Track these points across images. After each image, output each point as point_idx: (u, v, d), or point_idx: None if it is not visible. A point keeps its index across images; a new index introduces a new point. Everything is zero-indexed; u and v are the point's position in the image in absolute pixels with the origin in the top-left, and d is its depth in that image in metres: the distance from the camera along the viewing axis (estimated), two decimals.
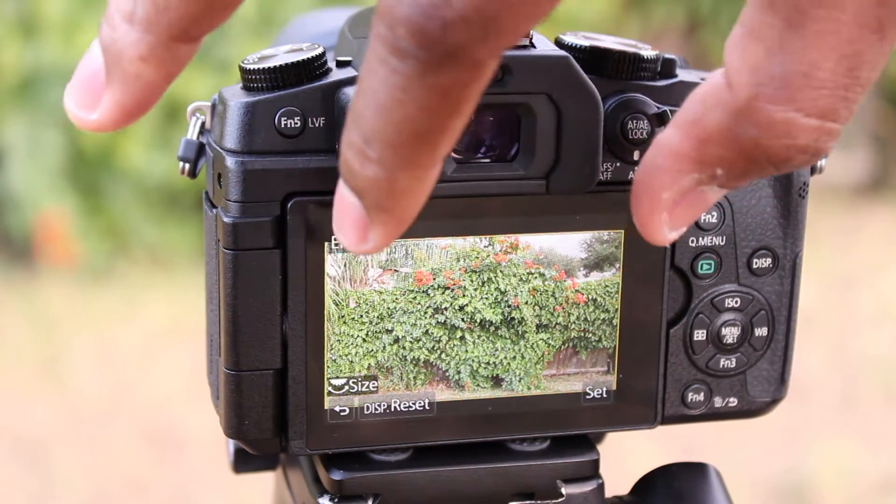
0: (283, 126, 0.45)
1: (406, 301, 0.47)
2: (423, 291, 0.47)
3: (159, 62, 0.38)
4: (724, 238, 0.51)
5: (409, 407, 0.49)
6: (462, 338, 0.48)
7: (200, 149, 0.49)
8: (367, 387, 0.48)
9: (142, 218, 2.77)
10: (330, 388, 0.48)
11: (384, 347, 0.48)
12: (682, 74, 0.49)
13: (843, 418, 2.15)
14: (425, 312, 0.48)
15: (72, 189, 2.73)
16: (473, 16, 0.31)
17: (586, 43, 0.47)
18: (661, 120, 0.47)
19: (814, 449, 2.03)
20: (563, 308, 0.49)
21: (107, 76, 0.39)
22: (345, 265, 0.47)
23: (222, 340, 0.47)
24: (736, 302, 0.52)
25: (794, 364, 0.54)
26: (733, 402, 0.53)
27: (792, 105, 0.35)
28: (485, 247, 0.48)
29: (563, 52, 0.45)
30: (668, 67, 0.48)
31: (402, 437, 0.49)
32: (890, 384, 2.25)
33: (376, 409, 0.48)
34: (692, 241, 0.51)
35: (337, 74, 0.46)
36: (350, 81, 0.45)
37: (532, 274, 0.48)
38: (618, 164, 0.47)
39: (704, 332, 0.52)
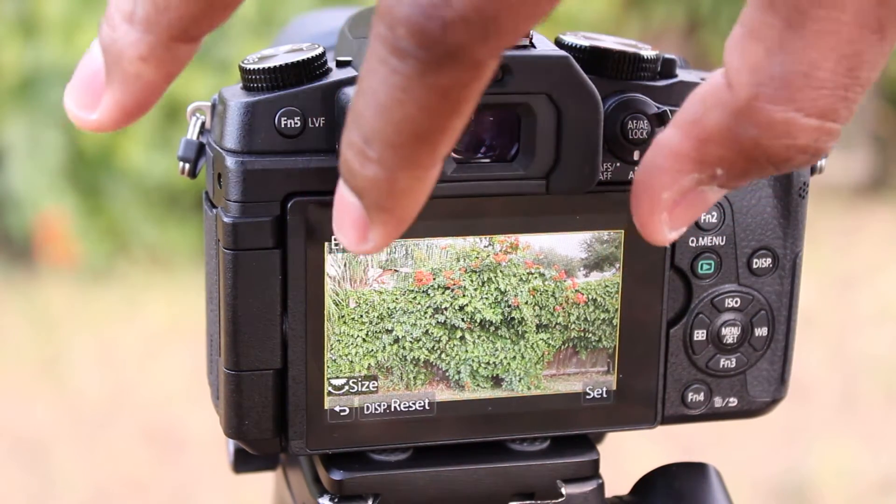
0: (283, 126, 0.45)
1: (406, 301, 0.47)
2: (423, 291, 0.47)
3: (159, 62, 0.38)
4: (724, 238, 0.51)
5: (409, 407, 0.49)
6: (462, 338, 0.48)
7: (200, 149, 0.49)
8: (367, 387, 0.48)
9: (142, 218, 2.77)
10: (330, 388, 0.48)
11: (384, 347, 0.48)
12: (682, 74, 0.49)
13: (843, 418, 2.15)
14: (425, 312, 0.48)
15: (72, 189, 2.73)
16: (473, 16, 0.31)
17: (586, 43, 0.47)
18: (661, 120, 0.47)
19: (814, 449, 2.03)
20: (563, 308, 0.49)
21: (107, 76, 0.39)
22: (345, 265, 0.47)
23: (222, 340, 0.47)
24: (736, 302, 0.52)
25: (794, 364, 0.54)
26: (733, 402, 0.53)
27: (792, 105, 0.35)
28: (485, 247, 0.48)
29: (563, 52, 0.45)
30: (668, 67, 0.48)
31: (402, 437, 0.49)
32: (890, 384, 2.25)
33: (376, 409, 0.48)
34: (692, 241, 0.51)
35: (337, 74, 0.46)
36: (350, 81, 0.45)
37: (532, 274, 0.48)
38: (618, 164, 0.47)
39: (704, 332, 0.52)
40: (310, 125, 0.45)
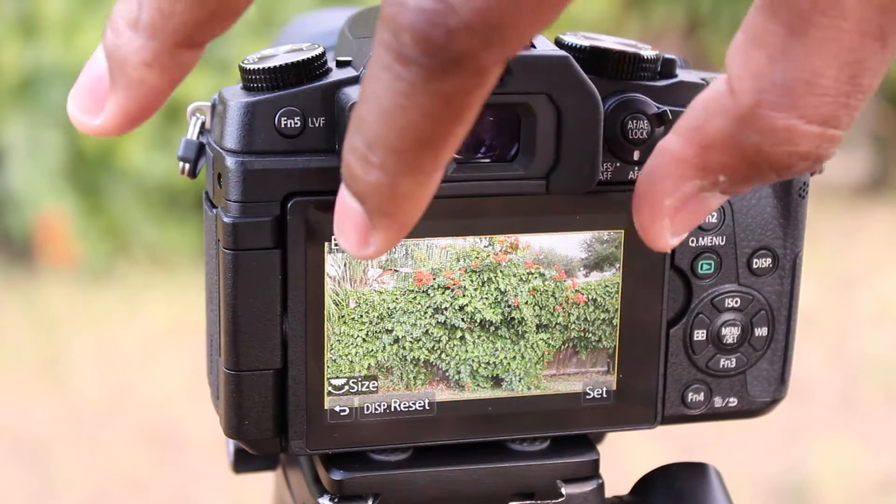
0: (283, 126, 0.45)
1: (406, 301, 0.47)
2: (423, 291, 0.47)
3: (163, 68, 0.38)
4: (724, 238, 0.51)
5: (409, 407, 0.49)
6: (462, 338, 0.48)
7: (200, 149, 0.49)
8: (367, 387, 0.48)
9: (142, 218, 2.77)
10: (330, 388, 0.48)
11: (384, 347, 0.48)
12: (682, 74, 0.49)
13: (843, 418, 2.15)
14: (425, 312, 0.48)
15: (72, 189, 2.73)
16: (478, 23, 0.31)
17: (586, 43, 0.47)
18: (661, 120, 0.47)
19: (814, 449, 2.03)
20: (563, 308, 0.49)
21: (110, 82, 0.39)
22: (345, 265, 0.47)
23: (222, 340, 0.47)
24: (736, 302, 0.52)
25: (794, 364, 0.54)
26: (733, 402, 0.53)
27: (794, 112, 0.35)
28: (485, 247, 0.48)
29: (563, 52, 0.45)
30: (668, 67, 0.48)
31: (402, 437, 0.49)
32: (890, 384, 2.25)
33: (376, 409, 0.48)
34: (692, 241, 0.51)
35: (337, 74, 0.46)
36: (350, 81, 0.45)
37: (532, 274, 0.48)
38: (618, 164, 0.47)
39: (704, 332, 0.52)
40: (310, 125, 0.45)
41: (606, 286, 0.49)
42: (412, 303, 0.47)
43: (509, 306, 0.48)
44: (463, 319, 0.48)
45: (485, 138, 0.46)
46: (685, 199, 0.38)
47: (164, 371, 2.28)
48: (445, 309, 0.48)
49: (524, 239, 0.48)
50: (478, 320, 0.48)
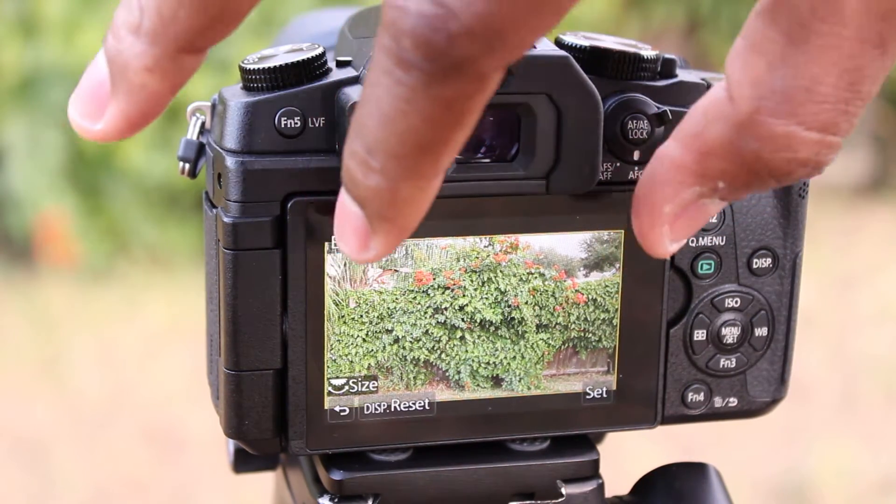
0: (283, 126, 0.45)
1: (406, 301, 0.47)
2: (423, 291, 0.47)
3: (165, 73, 0.38)
4: (724, 238, 0.51)
5: (409, 407, 0.49)
6: (462, 338, 0.48)
7: (200, 149, 0.49)
8: (367, 387, 0.48)
9: (142, 218, 2.77)
10: (330, 388, 0.48)
11: (384, 347, 0.48)
12: (682, 74, 0.49)
13: (843, 418, 2.15)
14: (425, 312, 0.48)
15: (72, 189, 2.73)
16: (479, 29, 0.31)
17: (586, 43, 0.47)
18: (661, 120, 0.47)
19: (814, 449, 2.03)
20: (563, 308, 0.49)
21: (112, 87, 0.39)
22: (345, 265, 0.47)
23: (222, 340, 0.47)
24: (736, 302, 0.52)
25: (794, 364, 0.54)
26: (733, 402, 0.53)
27: (793, 119, 0.35)
28: (485, 247, 0.48)
29: (563, 52, 0.45)
30: (668, 67, 0.48)
31: (402, 437, 0.49)
32: (890, 384, 2.25)
33: (376, 409, 0.48)
34: (692, 241, 0.51)
35: (337, 74, 0.46)
36: (350, 81, 0.45)
37: (532, 274, 0.48)
38: (618, 164, 0.47)
39: (704, 332, 0.52)
40: (310, 125, 0.45)
41: (606, 286, 0.49)
42: (412, 303, 0.47)
43: (509, 306, 0.48)
44: (463, 319, 0.48)
45: (485, 138, 0.46)
46: (684, 205, 0.38)
47: (164, 371, 2.28)
48: (445, 309, 0.48)
49: (524, 239, 0.48)
50: (478, 320, 0.48)
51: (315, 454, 0.49)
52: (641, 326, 0.50)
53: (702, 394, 0.52)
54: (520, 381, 0.49)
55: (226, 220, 0.46)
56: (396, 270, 0.47)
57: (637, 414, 0.51)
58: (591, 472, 0.51)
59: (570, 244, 0.48)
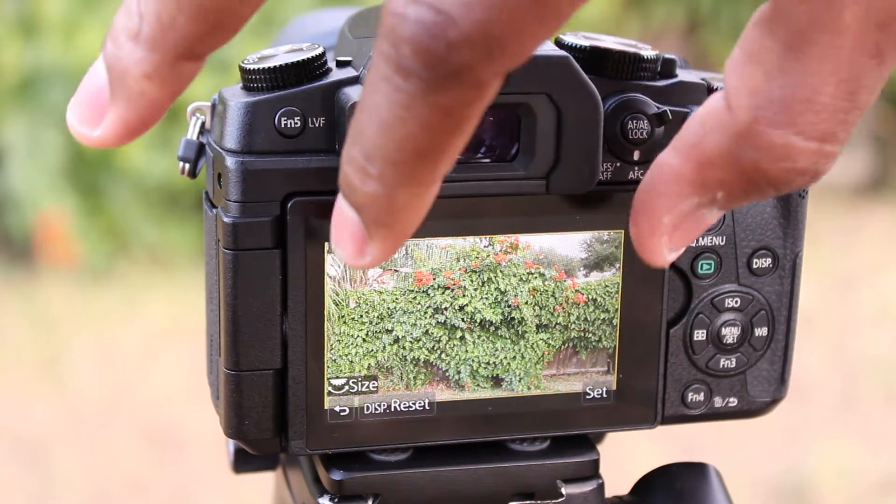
0: (283, 126, 0.45)
1: (406, 301, 0.47)
2: (423, 291, 0.47)
3: (164, 80, 0.38)
4: (724, 238, 0.51)
5: (409, 407, 0.49)
6: (462, 338, 0.48)
7: (200, 149, 0.49)
8: (367, 387, 0.48)
9: (142, 218, 2.77)
10: (330, 388, 0.48)
11: (384, 347, 0.48)
12: (682, 74, 0.49)
13: (843, 418, 2.15)
14: (425, 312, 0.48)
15: (72, 189, 2.73)
16: (478, 36, 0.31)
17: (586, 43, 0.47)
18: (661, 120, 0.47)
19: (814, 449, 2.03)
20: (563, 308, 0.49)
21: (111, 93, 0.39)
22: (345, 265, 0.47)
23: (222, 340, 0.47)
24: (736, 302, 0.52)
25: (794, 364, 0.54)
26: (733, 402, 0.53)
27: (792, 129, 0.35)
28: (485, 247, 0.48)
29: (563, 52, 0.45)
30: (668, 67, 0.48)
31: (402, 437, 0.49)
32: (890, 384, 2.25)
33: (376, 409, 0.48)
34: (692, 241, 0.51)
35: (337, 74, 0.46)
36: (350, 81, 0.45)
37: (532, 274, 0.48)
38: (618, 164, 0.47)
39: (704, 332, 0.52)
40: (310, 125, 0.45)
41: (606, 286, 0.49)
42: (412, 303, 0.47)
43: (509, 306, 0.48)
44: (463, 319, 0.48)
45: (485, 138, 0.46)
46: (683, 215, 0.38)
47: (164, 371, 2.28)
48: (445, 309, 0.48)
49: (524, 239, 0.48)
50: (478, 320, 0.48)
51: (315, 454, 0.49)
52: (641, 326, 0.50)
53: (702, 394, 0.52)
54: (520, 381, 0.49)
55: (226, 220, 0.46)
56: (396, 270, 0.47)
57: (637, 414, 0.51)
58: (591, 472, 0.51)
59: (570, 244, 0.48)
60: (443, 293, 0.48)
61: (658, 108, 0.47)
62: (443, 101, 0.32)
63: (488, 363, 0.49)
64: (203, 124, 0.50)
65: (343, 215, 0.35)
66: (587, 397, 0.50)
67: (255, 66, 0.45)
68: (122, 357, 2.38)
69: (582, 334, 0.49)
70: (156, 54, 0.38)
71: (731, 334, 0.52)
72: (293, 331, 0.47)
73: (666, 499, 0.54)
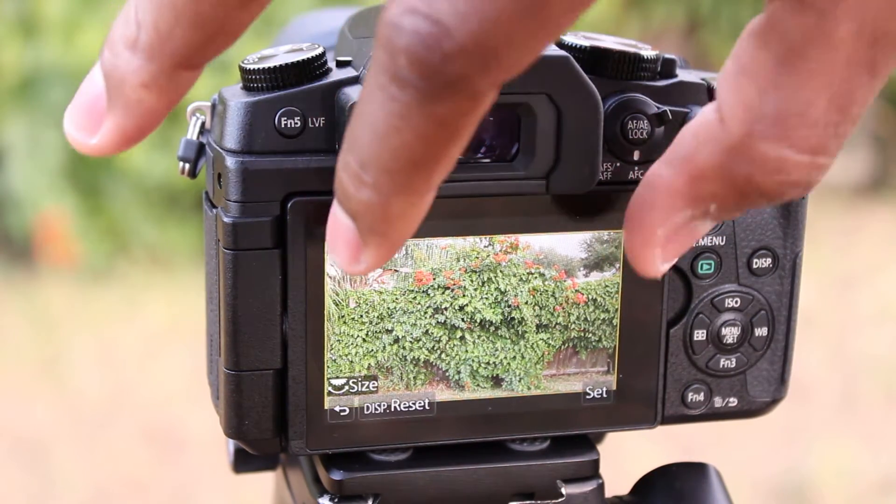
0: (283, 126, 0.45)
1: (406, 301, 0.47)
2: (423, 291, 0.47)
3: (161, 89, 0.38)
4: (724, 238, 0.51)
5: (409, 407, 0.49)
6: (462, 338, 0.48)
7: (200, 149, 0.49)
8: (367, 387, 0.48)
9: (142, 218, 2.77)
10: (330, 388, 0.48)
11: (384, 347, 0.48)
12: (682, 74, 0.49)
13: (843, 418, 2.15)
14: (425, 312, 0.48)
15: (72, 189, 2.73)
16: (473, 47, 0.31)
17: (586, 43, 0.47)
18: (661, 120, 0.47)
19: (814, 449, 2.03)
20: (563, 308, 0.49)
21: (108, 101, 0.39)
22: None
23: (222, 340, 0.47)
24: (736, 302, 0.52)
25: (794, 364, 0.54)
26: (733, 402, 0.53)
27: (785, 142, 0.35)
28: (485, 247, 0.48)
29: (563, 52, 0.45)
30: (668, 67, 0.48)
31: (402, 437, 0.49)
32: (890, 384, 2.25)
33: (376, 409, 0.48)
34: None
35: (337, 74, 0.46)
36: (350, 81, 0.45)
37: (532, 274, 0.48)
38: (618, 164, 0.47)
39: (704, 332, 0.52)
40: (310, 125, 0.45)
41: (606, 286, 0.49)
42: (412, 303, 0.47)
43: (509, 306, 0.48)
44: (463, 319, 0.48)
45: (485, 138, 0.46)
46: (676, 228, 0.38)
47: (164, 371, 2.28)
48: (445, 309, 0.48)
49: (524, 239, 0.48)
50: (478, 320, 0.48)
51: (315, 454, 0.49)
52: (641, 326, 0.50)
53: (702, 394, 0.52)
54: (520, 381, 0.49)
55: (226, 220, 0.46)
56: (396, 270, 0.47)
57: (637, 414, 0.51)
58: (591, 472, 0.51)
59: (570, 244, 0.48)
60: (443, 293, 0.48)
61: (658, 108, 0.47)
62: (438, 111, 0.32)
63: (488, 363, 0.49)
64: (203, 124, 0.50)
65: (338, 222, 0.35)
66: (587, 397, 0.50)
67: (255, 66, 0.45)
68: (122, 357, 2.38)
69: (582, 334, 0.49)
70: (153, 64, 0.38)
71: (731, 334, 0.52)
72: (293, 331, 0.47)
73: (666, 499, 0.54)
